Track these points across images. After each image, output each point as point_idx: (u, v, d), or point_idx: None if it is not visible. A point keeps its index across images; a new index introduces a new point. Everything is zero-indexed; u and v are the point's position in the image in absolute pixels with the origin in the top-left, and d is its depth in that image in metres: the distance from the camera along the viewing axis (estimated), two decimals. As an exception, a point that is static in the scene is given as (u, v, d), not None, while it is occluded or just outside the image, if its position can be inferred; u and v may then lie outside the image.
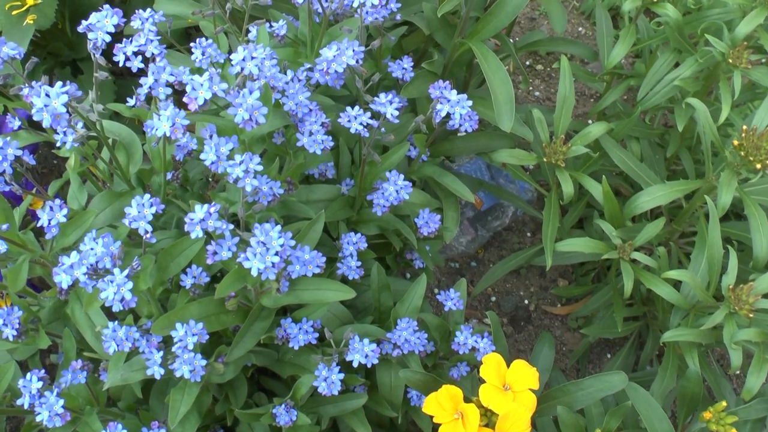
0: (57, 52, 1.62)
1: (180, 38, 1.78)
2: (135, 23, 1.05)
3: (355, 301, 1.14)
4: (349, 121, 0.93)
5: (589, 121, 1.94)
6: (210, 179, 1.44)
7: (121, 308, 0.78)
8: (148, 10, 1.06)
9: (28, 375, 0.91)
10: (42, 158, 1.71)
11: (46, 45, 1.61)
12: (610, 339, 1.62)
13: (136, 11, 1.06)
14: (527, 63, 2.09)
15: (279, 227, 0.79)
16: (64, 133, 0.91)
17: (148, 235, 0.84)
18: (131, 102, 1.02)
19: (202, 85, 0.77)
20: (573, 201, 1.45)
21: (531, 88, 2.03)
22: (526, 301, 1.66)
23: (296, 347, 0.96)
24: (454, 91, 1.00)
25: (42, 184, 1.67)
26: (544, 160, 1.25)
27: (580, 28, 2.16)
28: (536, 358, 1.26)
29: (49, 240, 0.90)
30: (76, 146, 0.95)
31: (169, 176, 1.07)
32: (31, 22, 1.33)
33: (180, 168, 1.09)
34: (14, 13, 1.37)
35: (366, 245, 1.03)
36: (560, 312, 1.65)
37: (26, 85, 0.96)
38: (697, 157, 1.49)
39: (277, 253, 0.78)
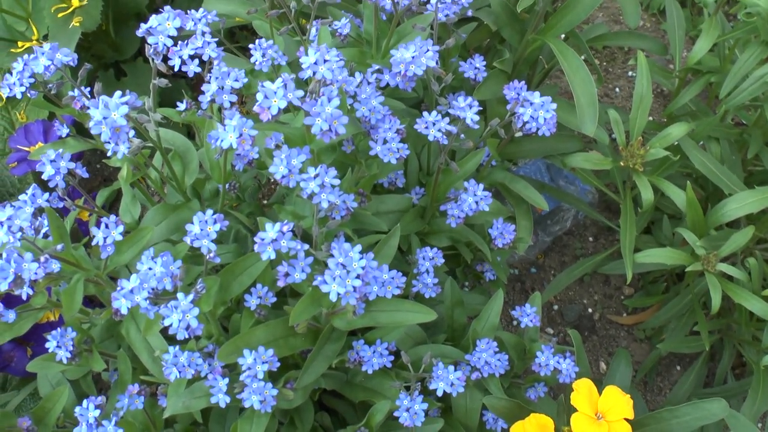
0: (100, 54, 1.57)
1: (225, 38, 1.72)
2: (188, 24, 0.99)
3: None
4: (426, 127, 0.86)
5: (650, 118, 1.84)
6: (261, 184, 1.37)
7: (186, 336, 0.72)
8: (201, 9, 1.00)
9: (85, 402, 0.85)
10: (85, 162, 1.66)
11: (89, 47, 1.55)
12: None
13: (188, 11, 1.00)
14: (582, 57, 2.00)
15: (359, 247, 0.72)
16: (117, 142, 0.85)
17: (211, 254, 0.77)
18: (181, 106, 0.96)
19: (275, 92, 0.69)
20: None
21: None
22: (590, 310, 1.58)
23: (370, 371, 0.89)
24: (536, 94, 0.92)
25: (86, 189, 1.62)
26: (621, 164, 1.17)
27: (639, 20, 2.05)
28: (612, 376, 1.18)
29: (102, 258, 0.84)
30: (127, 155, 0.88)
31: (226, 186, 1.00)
32: (77, 24, 1.28)
33: (237, 177, 1.03)
34: (60, 15, 1.32)
35: (443, 261, 0.95)
36: (627, 322, 1.56)
37: (76, 91, 0.90)
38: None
39: (358, 276, 0.71)
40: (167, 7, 0.78)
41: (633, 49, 1.94)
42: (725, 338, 1.39)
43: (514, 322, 1.04)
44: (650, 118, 1.85)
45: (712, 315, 1.37)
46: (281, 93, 0.69)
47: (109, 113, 0.69)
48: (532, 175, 1.59)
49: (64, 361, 0.89)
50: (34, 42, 1.41)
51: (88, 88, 0.93)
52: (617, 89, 1.91)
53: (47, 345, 0.89)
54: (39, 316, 0.96)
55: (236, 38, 1.79)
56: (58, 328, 0.90)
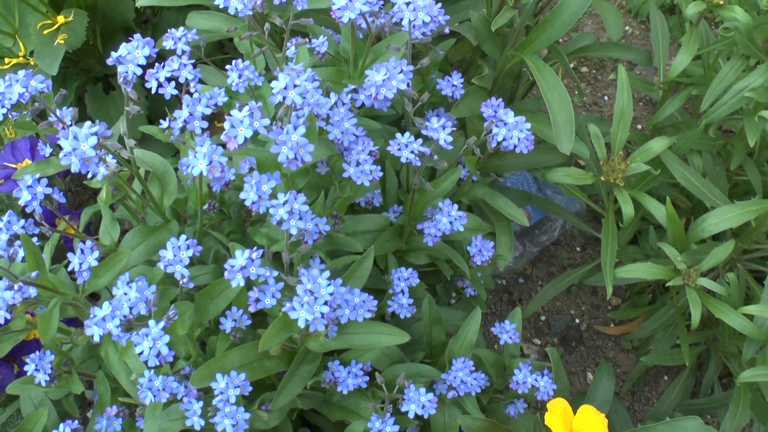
0: (89, 69, 1.57)
1: (213, 50, 1.72)
2: (167, 43, 1.00)
3: (403, 333, 1.08)
4: (399, 149, 0.86)
5: (638, 126, 1.84)
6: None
7: (158, 363, 0.72)
8: (181, 28, 1.01)
9: (61, 426, 0.86)
10: (75, 177, 1.66)
11: (78, 61, 1.56)
12: (668, 360, 1.53)
13: (168, 31, 1.00)
14: (571, 66, 2.00)
15: (328, 273, 0.73)
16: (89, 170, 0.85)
17: (184, 280, 0.78)
18: (165, 124, 0.96)
19: (241, 121, 0.70)
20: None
21: (576, 92, 1.94)
22: (577, 321, 1.58)
23: (345, 392, 0.89)
24: (511, 113, 0.92)
25: (75, 203, 1.63)
26: (602, 178, 1.17)
27: (627, 27, 2.06)
28: (595, 389, 1.18)
29: (79, 284, 0.85)
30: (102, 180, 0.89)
31: (205, 207, 1.00)
32: (62, 42, 1.28)
33: (216, 197, 1.03)
34: (46, 32, 1.33)
35: (418, 281, 0.96)
36: (614, 332, 1.56)
37: (53, 115, 0.91)
38: (761, 169, 1.39)
39: (326, 303, 0.71)
40: (137, 35, 0.79)
41: (624, 59, 1.95)
42: (711, 349, 1.39)
43: (500, 334, 1.05)
44: (638, 126, 1.86)
45: (696, 328, 1.38)
46: (247, 122, 0.70)
47: (79, 144, 0.70)
48: (519, 185, 1.59)
49: (43, 383, 0.90)
50: (21, 58, 1.42)
51: (69, 108, 0.93)
52: (606, 97, 1.92)
53: (26, 368, 0.90)
54: (20, 338, 0.97)
55: (225, 49, 1.80)
56: (37, 351, 0.90)
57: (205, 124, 0.78)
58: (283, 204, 0.73)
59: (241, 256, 0.72)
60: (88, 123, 0.70)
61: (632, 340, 1.53)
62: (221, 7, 0.90)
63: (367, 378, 0.90)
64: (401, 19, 0.88)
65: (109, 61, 0.78)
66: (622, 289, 1.61)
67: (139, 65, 0.77)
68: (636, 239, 1.53)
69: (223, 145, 0.73)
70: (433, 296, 1.13)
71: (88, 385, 1.07)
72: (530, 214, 1.60)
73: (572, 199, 1.61)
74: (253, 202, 0.74)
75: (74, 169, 0.71)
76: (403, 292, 0.95)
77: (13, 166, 1.37)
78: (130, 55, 0.77)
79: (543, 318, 1.58)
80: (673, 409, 1.40)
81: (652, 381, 1.53)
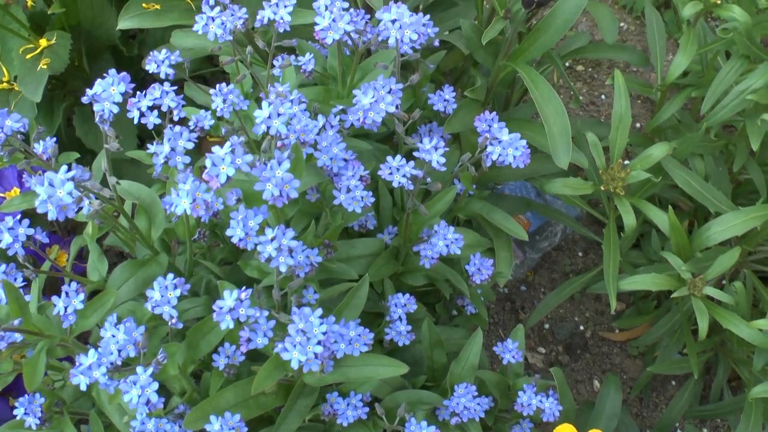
0: (76, 90, 1.54)
1: (202, 63, 1.70)
2: (150, 67, 0.97)
3: (404, 355, 1.05)
4: (390, 173, 0.83)
5: (636, 125, 1.81)
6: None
7: (147, 411, 0.70)
8: (164, 51, 0.98)
9: (55, 473, 0.83)
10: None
11: (65, 82, 1.53)
12: (675, 365, 1.50)
13: (151, 53, 0.98)
14: (566, 64, 1.97)
15: (320, 311, 0.70)
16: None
17: (173, 321, 0.75)
18: (152, 148, 0.94)
19: (223, 159, 0.67)
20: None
21: (572, 92, 1.91)
22: (582, 327, 1.55)
23: (345, 423, 0.87)
24: (505, 130, 0.89)
25: (68, 227, 1.60)
26: (602, 188, 1.14)
27: (622, 24, 2.03)
28: (603, 403, 1.16)
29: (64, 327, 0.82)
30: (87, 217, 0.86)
31: (195, 237, 0.98)
32: (45, 67, 1.25)
33: (205, 226, 1.00)
34: (28, 57, 1.30)
35: (416, 307, 0.93)
36: (619, 338, 1.53)
37: (40, 143, 0.88)
38: (765, 168, 1.36)
39: (320, 342, 0.68)
40: (112, 71, 0.76)
41: (621, 60, 1.91)
42: (719, 354, 1.37)
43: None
44: (637, 125, 1.83)
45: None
46: (229, 159, 0.67)
47: (54, 191, 0.67)
48: (517, 191, 1.56)
49: (33, 427, 0.87)
50: (5, 84, 1.40)
51: (53, 139, 0.90)
52: (603, 96, 1.88)
53: (15, 412, 0.87)
54: (9, 380, 0.94)
55: (214, 61, 1.77)
56: (26, 395, 0.88)
57: (188, 159, 0.75)
58: (271, 240, 0.70)
59: (229, 297, 0.70)
60: (63, 168, 0.67)
61: (638, 345, 1.50)
62: (200, 33, 0.87)
63: (367, 409, 0.87)
64: (387, 38, 0.85)
65: (85, 99, 0.75)
66: (626, 294, 1.58)
67: (114, 102, 0.74)
68: (638, 242, 1.50)
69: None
70: (432, 315, 1.10)
71: (84, 421, 1.04)
72: (530, 220, 1.57)
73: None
74: (240, 239, 0.72)
75: (51, 217, 0.67)
76: (400, 318, 0.92)
77: (2, 195, 1.34)
78: (105, 92, 0.74)
79: (547, 326, 1.55)
80: (682, 416, 1.38)
81: (660, 387, 1.50)
